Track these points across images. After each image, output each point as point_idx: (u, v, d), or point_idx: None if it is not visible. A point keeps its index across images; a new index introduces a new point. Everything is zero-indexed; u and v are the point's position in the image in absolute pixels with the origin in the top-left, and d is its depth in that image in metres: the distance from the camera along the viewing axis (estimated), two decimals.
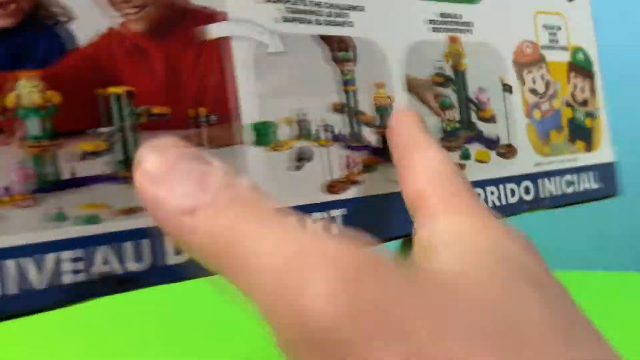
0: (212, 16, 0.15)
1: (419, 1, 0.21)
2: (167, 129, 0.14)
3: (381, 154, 0.17)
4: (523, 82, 0.22)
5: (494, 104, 0.22)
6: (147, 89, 0.14)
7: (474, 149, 0.21)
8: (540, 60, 0.22)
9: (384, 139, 0.18)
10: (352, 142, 0.17)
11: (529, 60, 0.22)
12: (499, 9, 0.23)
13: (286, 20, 0.16)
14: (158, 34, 0.14)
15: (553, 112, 0.22)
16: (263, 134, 0.15)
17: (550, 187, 0.21)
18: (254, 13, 0.15)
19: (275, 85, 0.16)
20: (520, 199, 0.20)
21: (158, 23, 0.14)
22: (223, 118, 0.15)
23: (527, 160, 0.21)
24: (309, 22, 0.17)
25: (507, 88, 0.22)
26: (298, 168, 0.16)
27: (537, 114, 0.22)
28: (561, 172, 0.21)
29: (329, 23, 0.17)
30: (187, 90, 0.14)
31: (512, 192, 0.20)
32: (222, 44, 0.15)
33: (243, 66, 0.15)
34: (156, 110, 0.14)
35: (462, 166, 0.21)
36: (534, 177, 0.21)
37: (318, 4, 0.17)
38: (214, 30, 0.15)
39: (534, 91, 0.22)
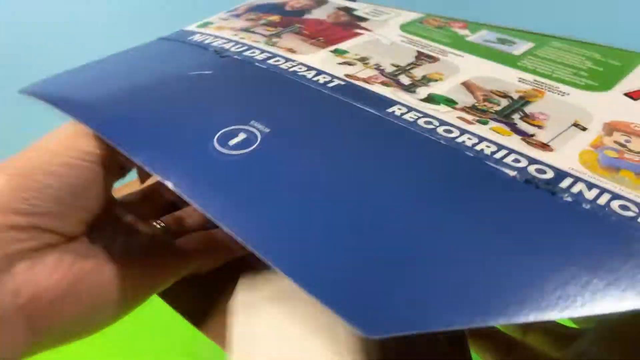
0: None
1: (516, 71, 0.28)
2: None
3: None
4: (610, 134, 0.22)
5: (549, 123, 0.23)
6: None
7: (496, 124, 0.23)
8: None
9: None
10: None
11: (633, 131, 0.22)
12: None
13: None
14: None
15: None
16: None
17: (586, 194, 0.19)
18: None
19: None
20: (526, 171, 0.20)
21: None
22: None
23: (562, 161, 0.20)
24: None
25: (579, 126, 0.23)
26: None
27: (611, 153, 0.21)
28: (610, 193, 0.19)
29: None
30: None
31: (517, 160, 0.20)
32: None
33: None
34: None
35: (467, 121, 0.23)
36: (562, 173, 0.20)
37: None
38: None
39: (619, 144, 0.22)
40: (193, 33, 0.33)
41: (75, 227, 0.22)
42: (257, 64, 0.28)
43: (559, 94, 0.26)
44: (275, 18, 0.35)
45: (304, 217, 0.18)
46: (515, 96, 0.25)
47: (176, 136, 0.22)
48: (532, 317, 0.14)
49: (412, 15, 0.35)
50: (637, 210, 0.18)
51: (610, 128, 0.23)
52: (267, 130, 0.22)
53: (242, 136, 0.22)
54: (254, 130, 0.22)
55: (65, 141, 0.22)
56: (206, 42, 0.31)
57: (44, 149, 0.22)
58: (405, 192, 0.19)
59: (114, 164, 0.23)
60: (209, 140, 0.21)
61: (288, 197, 0.19)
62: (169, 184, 0.19)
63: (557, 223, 0.17)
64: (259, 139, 0.22)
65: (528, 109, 0.24)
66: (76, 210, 0.22)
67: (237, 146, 0.21)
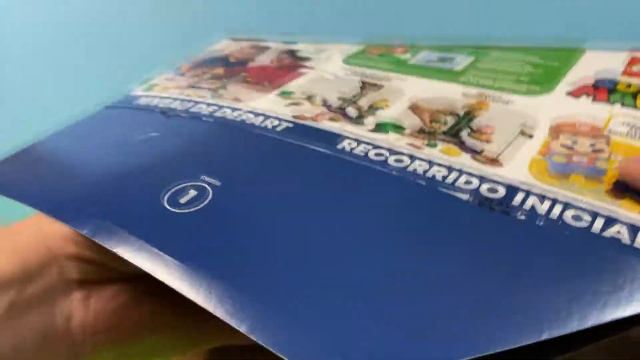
0: None
1: (459, 86, 0.28)
2: None
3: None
4: (556, 138, 0.23)
5: (497, 135, 0.23)
6: None
7: (445, 145, 0.23)
8: (599, 136, 0.22)
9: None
10: None
11: (579, 131, 0.23)
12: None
13: None
14: None
15: (590, 164, 0.21)
16: None
17: (538, 208, 0.19)
18: None
19: None
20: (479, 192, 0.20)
21: None
22: None
23: (512, 175, 0.20)
24: None
25: (525, 134, 0.23)
26: None
27: (559, 158, 0.21)
28: (562, 203, 0.19)
29: None
30: None
31: (468, 182, 0.20)
32: None
33: None
34: None
35: (416, 147, 0.23)
36: (514, 189, 0.20)
37: None
38: None
39: (567, 147, 0.22)
40: (138, 97, 0.33)
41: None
42: (204, 118, 0.28)
43: (502, 102, 0.26)
44: (219, 70, 0.35)
45: (264, 275, 0.17)
46: (461, 112, 0.25)
47: (124, 203, 0.22)
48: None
49: (354, 48, 0.36)
50: (589, 218, 0.18)
51: (557, 131, 0.23)
52: (218, 183, 0.22)
53: (192, 193, 0.21)
54: (205, 185, 0.22)
55: None
56: (152, 104, 0.31)
57: None
58: (365, 236, 0.18)
59: None
60: (159, 201, 0.21)
61: (245, 252, 0.18)
62: (122, 254, 0.19)
63: (513, 246, 0.17)
64: (210, 194, 0.21)
65: (474, 124, 0.24)
66: None
67: (188, 203, 0.21)
